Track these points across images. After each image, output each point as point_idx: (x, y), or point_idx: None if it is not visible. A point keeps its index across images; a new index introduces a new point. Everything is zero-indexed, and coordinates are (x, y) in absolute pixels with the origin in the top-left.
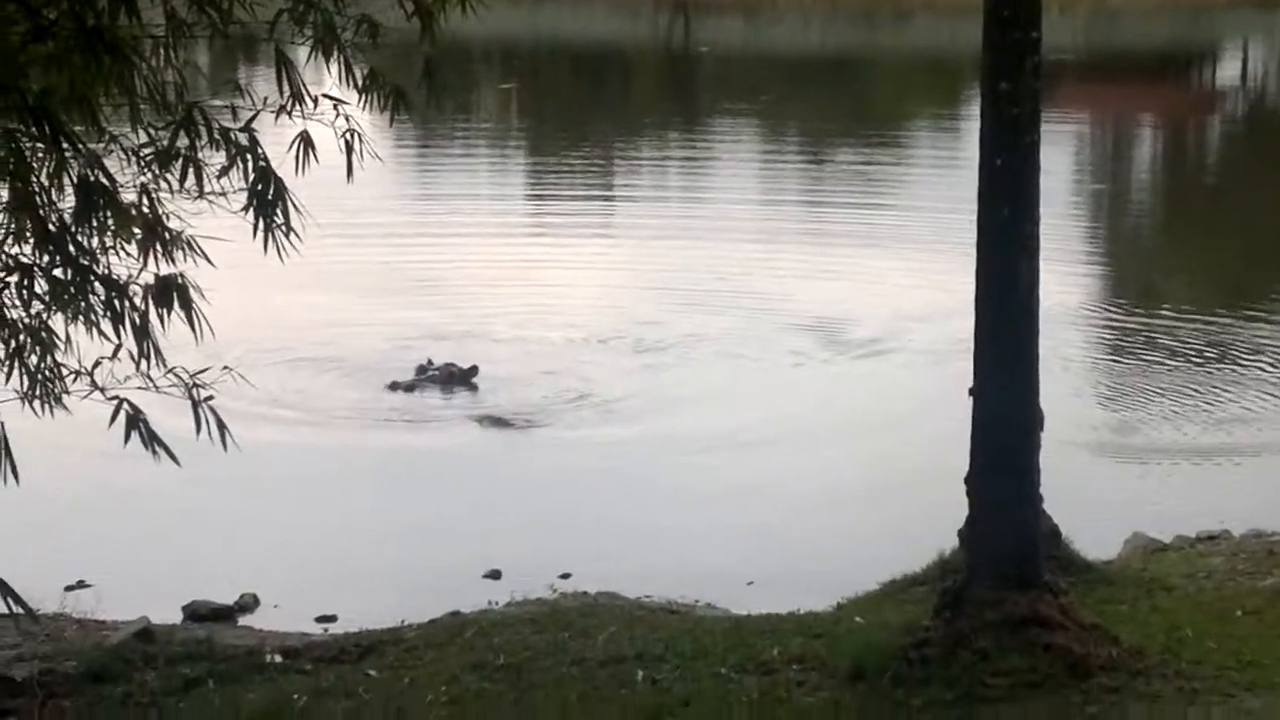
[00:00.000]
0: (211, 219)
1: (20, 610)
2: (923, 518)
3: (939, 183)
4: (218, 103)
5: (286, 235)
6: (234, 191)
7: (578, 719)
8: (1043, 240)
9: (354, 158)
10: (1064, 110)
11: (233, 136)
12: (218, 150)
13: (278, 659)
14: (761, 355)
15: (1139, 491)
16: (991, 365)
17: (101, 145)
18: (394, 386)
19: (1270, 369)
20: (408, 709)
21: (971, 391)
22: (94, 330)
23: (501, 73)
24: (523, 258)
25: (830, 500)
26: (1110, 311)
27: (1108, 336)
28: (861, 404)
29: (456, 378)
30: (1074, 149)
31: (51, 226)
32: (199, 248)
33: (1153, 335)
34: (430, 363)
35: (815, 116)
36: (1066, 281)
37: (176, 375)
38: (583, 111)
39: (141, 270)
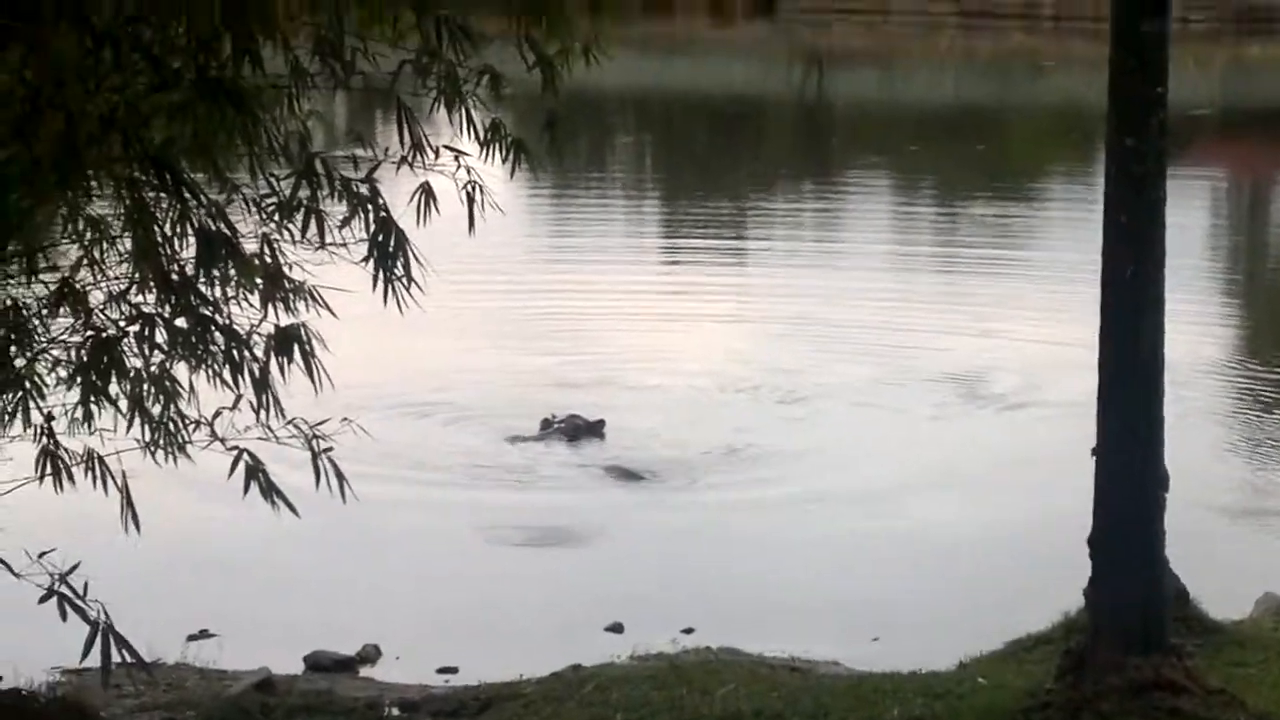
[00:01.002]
0: (333, 269)
1: (135, 661)
2: (1055, 575)
3: (1075, 234)
4: (340, 153)
5: (407, 287)
6: (355, 242)
7: None
8: (1178, 293)
9: (475, 209)
10: (1200, 165)
11: (354, 187)
12: (339, 201)
13: (395, 712)
14: (896, 407)
15: (1274, 552)
16: (1114, 424)
17: (223, 195)
18: (517, 439)
19: None
20: None
21: (1094, 451)
22: (215, 380)
23: (636, 124)
24: (653, 306)
25: (962, 556)
26: (1246, 366)
27: (1244, 392)
28: (996, 459)
29: (582, 430)
30: (1210, 203)
31: (174, 276)
32: (320, 298)
33: None
34: (554, 416)
35: (950, 169)
36: (1201, 335)
37: (296, 426)
38: (716, 163)
39: (262, 320)
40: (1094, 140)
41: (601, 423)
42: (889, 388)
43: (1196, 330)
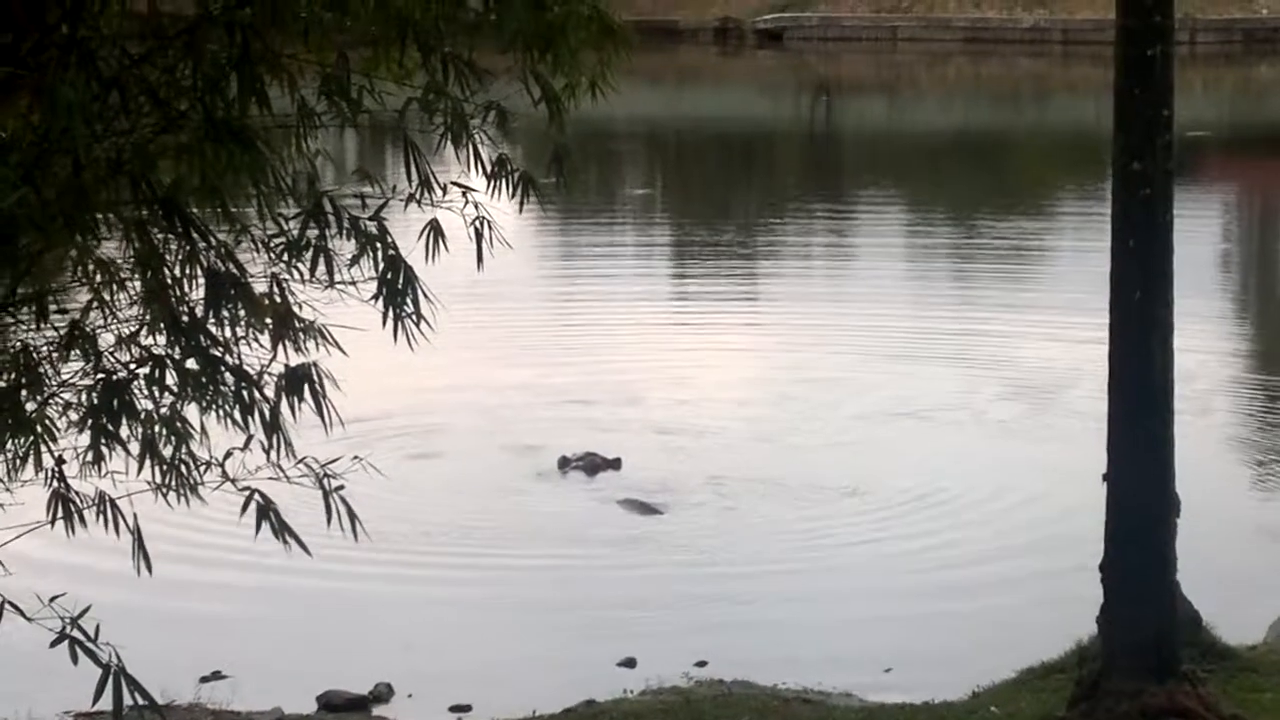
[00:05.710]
0: (343, 307)
1: (148, 704)
2: (1070, 602)
3: (1089, 255)
4: (348, 192)
5: (417, 324)
6: (364, 280)
7: None
8: (1189, 311)
9: (484, 244)
10: (1210, 183)
11: (362, 225)
12: (348, 239)
13: None
14: (904, 434)
15: None
16: (1125, 450)
17: (232, 236)
18: (534, 476)
19: None
20: None
21: (1105, 477)
22: (226, 421)
23: (646, 152)
24: (670, 330)
25: (979, 582)
26: (1260, 385)
27: (1256, 412)
28: (1009, 479)
29: (600, 468)
30: (1220, 220)
31: (183, 317)
32: (330, 336)
33: None
34: (571, 456)
35: (963, 193)
36: (1214, 354)
37: (307, 465)
38: (728, 190)
39: (272, 360)
40: (1105, 163)
41: (618, 460)
42: (914, 404)
43: (1208, 347)
